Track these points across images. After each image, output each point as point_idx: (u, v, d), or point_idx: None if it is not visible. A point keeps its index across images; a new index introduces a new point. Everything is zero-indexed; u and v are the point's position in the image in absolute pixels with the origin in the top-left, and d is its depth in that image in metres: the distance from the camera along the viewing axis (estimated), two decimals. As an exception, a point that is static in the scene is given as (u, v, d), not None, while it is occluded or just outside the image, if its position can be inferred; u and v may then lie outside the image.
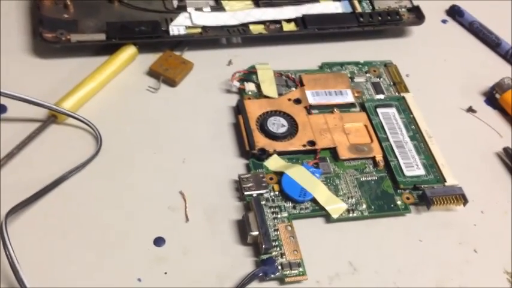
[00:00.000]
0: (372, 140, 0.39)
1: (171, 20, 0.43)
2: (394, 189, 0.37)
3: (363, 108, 0.42)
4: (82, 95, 0.38)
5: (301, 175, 0.36)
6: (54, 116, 0.37)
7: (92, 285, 0.31)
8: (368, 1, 0.48)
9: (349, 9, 0.47)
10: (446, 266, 0.34)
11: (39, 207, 0.33)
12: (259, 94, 0.41)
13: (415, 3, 0.49)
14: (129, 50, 0.41)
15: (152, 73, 0.41)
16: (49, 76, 0.40)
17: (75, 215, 0.33)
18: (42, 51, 0.41)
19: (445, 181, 0.37)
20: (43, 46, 0.41)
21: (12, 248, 0.29)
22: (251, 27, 0.45)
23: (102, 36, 0.41)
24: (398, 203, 0.37)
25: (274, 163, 0.37)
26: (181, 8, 0.44)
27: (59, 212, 0.33)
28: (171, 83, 0.41)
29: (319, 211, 0.35)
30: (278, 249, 0.33)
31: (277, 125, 0.39)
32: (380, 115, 0.41)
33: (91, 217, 0.33)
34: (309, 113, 0.40)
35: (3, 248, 0.29)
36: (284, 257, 0.33)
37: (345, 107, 0.41)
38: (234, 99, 0.41)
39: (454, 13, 0.51)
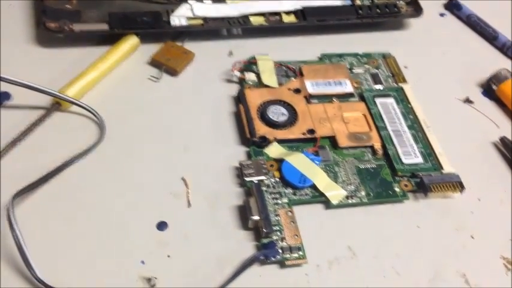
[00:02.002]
0: (370, 129, 0.40)
1: (173, 11, 0.44)
2: (393, 177, 0.38)
3: (362, 98, 0.42)
4: (85, 83, 0.39)
5: (301, 162, 0.37)
6: (58, 104, 0.38)
7: (96, 267, 0.31)
8: (367, -6, 0.49)
9: (348, 2, 0.48)
10: (444, 252, 0.35)
11: (44, 192, 0.34)
12: (260, 84, 0.42)
13: (413, -4, 0.49)
14: (131, 40, 0.42)
15: (154, 63, 0.42)
16: (52, 65, 0.40)
17: (80, 199, 0.34)
18: (45, 40, 0.42)
19: (443, 169, 0.38)
20: (46, 36, 0.41)
21: (19, 230, 0.30)
22: (251, 18, 0.45)
23: (104, 26, 0.41)
24: (397, 190, 0.37)
25: (274, 150, 0.38)
26: (183, 0, 0.45)
27: (64, 197, 0.34)
28: (173, 72, 0.42)
29: (318, 197, 0.36)
30: (279, 233, 0.34)
31: (278, 113, 0.39)
32: (378, 105, 0.41)
33: (95, 202, 0.34)
34: (308, 102, 0.41)
35: (10, 230, 0.30)
36: (284, 241, 0.33)
37: (344, 97, 0.42)
38: (234, 88, 0.42)
39: (452, 7, 0.52)
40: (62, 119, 0.38)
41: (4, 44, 0.41)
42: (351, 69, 0.44)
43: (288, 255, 0.33)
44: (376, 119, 0.40)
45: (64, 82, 0.39)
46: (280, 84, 0.42)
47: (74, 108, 0.38)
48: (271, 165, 0.37)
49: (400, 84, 0.44)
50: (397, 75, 0.44)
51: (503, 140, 0.41)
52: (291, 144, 0.38)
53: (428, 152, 0.39)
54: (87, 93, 0.39)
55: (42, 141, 0.36)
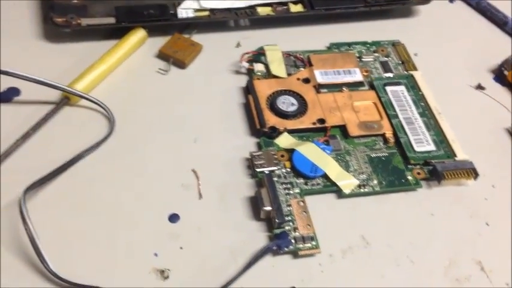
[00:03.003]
0: (381, 117, 0.40)
1: (179, 4, 0.44)
2: (405, 165, 0.37)
3: (372, 86, 0.42)
4: (94, 77, 0.39)
5: (312, 152, 0.36)
6: (67, 98, 0.37)
7: (109, 260, 0.31)
8: (375, -19, 0.48)
9: (356, -10, 0.47)
10: (459, 239, 0.35)
11: (56, 185, 0.34)
12: (268, 74, 0.41)
13: (422, -18, 0.49)
14: (139, 33, 0.42)
15: (162, 55, 0.42)
16: (61, 60, 0.40)
17: (92, 192, 0.34)
18: (53, 35, 0.42)
19: (456, 156, 0.38)
20: (54, 31, 0.41)
21: (31, 223, 0.30)
22: (258, 9, 0.45)
23: (111, 20, 0.41)
24: (409, 178, 0.37)
25: (285, 141, 0.37)
26: (189, -8, 0.45)
27: (76, 190, 0.34)
28: (181, 64, 0.42)
29: (330, 187, 0.36)
30: (291, 223, 0.33)
31: (287, 103, 0.39)
32: (389, 93, 0.41)
33: (107, 194, 0.34)
34: (318, 92, 0.41)
35: (22, 224, 0.30)
36: (297, 231, 0.33)
37: (354, 86, 0.42)
38: (243, 79, 0.41)
39: (461, -8, 0.52)
40: (72, 113, 0.38)
41: (12, 39, 0.41)
42: (360, 57, 0.44)
43: (301, 245, 0.33)
44: (387, 107, 0.40)
45: (72, 76, 0.39)
46: (289, 74, 0.41)
47: (83, 102, 0.38)
48: (282, 156, 0.36)
49: (410, 72, 0.43)
50: (407, 63, 0.44)
51: (516, 125, 0.41)
52: (301, 134, 0.38)
53: (440, 139, 0.39)
54: (96, 87, 0.39)
55: (52, 136, 0.36)
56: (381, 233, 0.34)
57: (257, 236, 0.33)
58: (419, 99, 0.41)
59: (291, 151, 0.36)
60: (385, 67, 0.43)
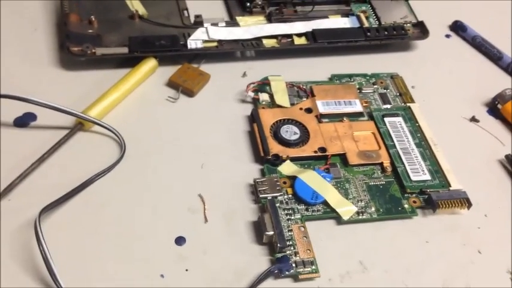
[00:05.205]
0: (379, 147, 0.41)
1: (189, 35, 0.46)
2: (402, 194, 0.39)
3: (371, 117, 0.44)
4: (107, 104, 0.41)
5: (313, 179, 0.38)
6: (81, 124, 0.39)
7: (118, 280, 0.33)
8: (375, 17, 0.51)
9: (356, 25, 0.50)
10: (452, 266, 0.36)
11: (69, 207, 0.35)
12: (273, 104, 0.43)
13: (420, 18, 0.51)
14: (150, 63, 0.44)
15: (171, 84, 0.44)
16: (75, 87, 0.42)
17: (102, 214, 0.36)
18: (68, 64, 0.44)
19: (450, 186, 0.39)
20: (70, 59, 0.43)
21: (46, 243, 0.31)
22: (264, 41, 0.47)
23: (124, 50, 0.44)
24: (406, 206, 0.38)
25: (287, 168, 0.39)
26: (198, 24, 0.47)
27: (87, 212, 0.35)
28: (190, 93, 0.44)
29: (330, 213, 0.37)
30: (292, 248, 0.35)
31: (290, 132, 0.41)
32: (387, 124, 0.43)
33: (116, 217, 0.36)
34: (319, 121, 0.43)
35: (37, 243, 0.31)
36: (298, 255, 0.35)
37: (354, 116, 0.44)
38: (248, 108, 0.43)
39: (457, 28, 0.54)
40: (85, 138, 0.40)
41: (30, 67, 0.43)
42: (360, 89, 0.46)
43: (301, 269, 0.34)
44: (385, 137, 0.42)
45: (86, 103, 0.41)
46: (292, 104, 0.43)
47: (96, 128, 0.40)
48: (285, 182, 0.38)
49: (407, 104, 0.45)
50: (405, 95, 0.46)
51: (508, 157, 0.43)
52: (303, 162, 0.40)
53: (436, 169, 0.40)
54: (108, 113, 0.41)
55: (66, 160, 0.38)
56: (378, 259, 0.36)
57: (260, 259, 0.35)
58: (416, 130, 0.43)
59: (293, 178, 0.38)
60: (384, 99, 0.45)
